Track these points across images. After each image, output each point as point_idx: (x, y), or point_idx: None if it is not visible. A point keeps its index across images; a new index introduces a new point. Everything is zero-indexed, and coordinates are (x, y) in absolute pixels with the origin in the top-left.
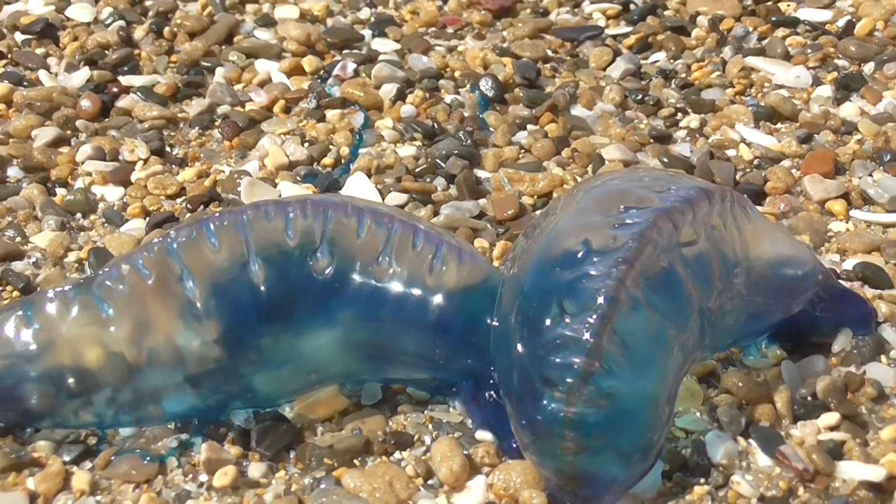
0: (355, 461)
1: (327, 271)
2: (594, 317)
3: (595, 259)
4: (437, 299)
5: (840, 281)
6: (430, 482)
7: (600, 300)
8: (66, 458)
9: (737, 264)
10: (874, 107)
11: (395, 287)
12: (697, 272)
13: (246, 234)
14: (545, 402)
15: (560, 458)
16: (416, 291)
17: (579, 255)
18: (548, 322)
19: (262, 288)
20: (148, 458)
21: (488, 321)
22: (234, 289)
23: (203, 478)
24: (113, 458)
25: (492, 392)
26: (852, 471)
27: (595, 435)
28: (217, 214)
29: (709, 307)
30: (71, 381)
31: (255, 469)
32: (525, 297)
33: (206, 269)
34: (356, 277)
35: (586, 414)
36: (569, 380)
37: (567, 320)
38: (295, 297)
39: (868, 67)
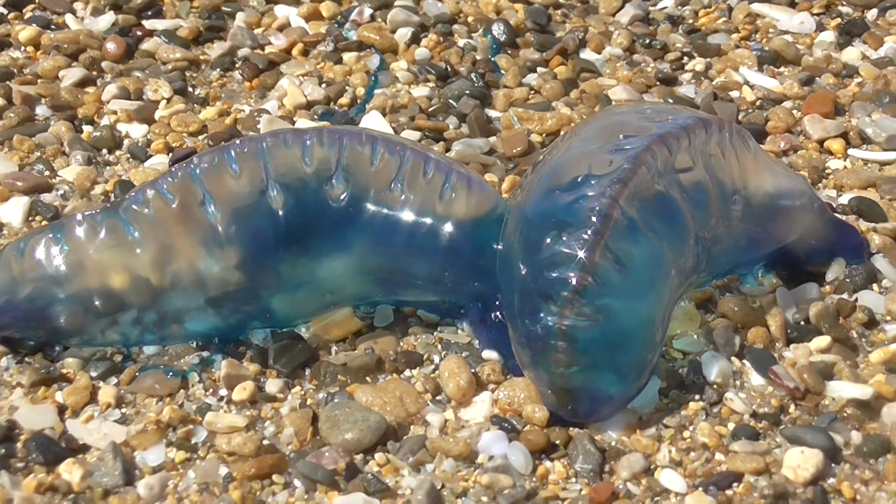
0: (368, 378)
1: (342, 198)
2: (588, 233)
3: (592, 182)
4: (448, 226)
5: (835, 214)
6: (438, 398)
7: (593, 217)
8: (94, 374)
9: (735, 192)
10: (875, 51)
11: (407, 214)
12: (695, 198)
13: (265, 160)
14: (542, 315)
15: (554, 372)
16: (427, 218)
17: (578, 180)
18: (547, 241)
19: (280, 213)
20: (171, 374)
21: (495, 246)
22: (253, 214)
23: (223, 392)
24: (137, 373)
25: (497, 313)
26: (841, 389)
27: (588, 349)
28: (238, 141)
29: (706, 233)
30: (98, 302)
31: (273, 385)
32: (527, 221)
33: (227, 195)
34: (369, 205)
35: (579, 327)
36: (563, 293)
37: (564, 238)
38: (312, 222)
39: (871, 14)
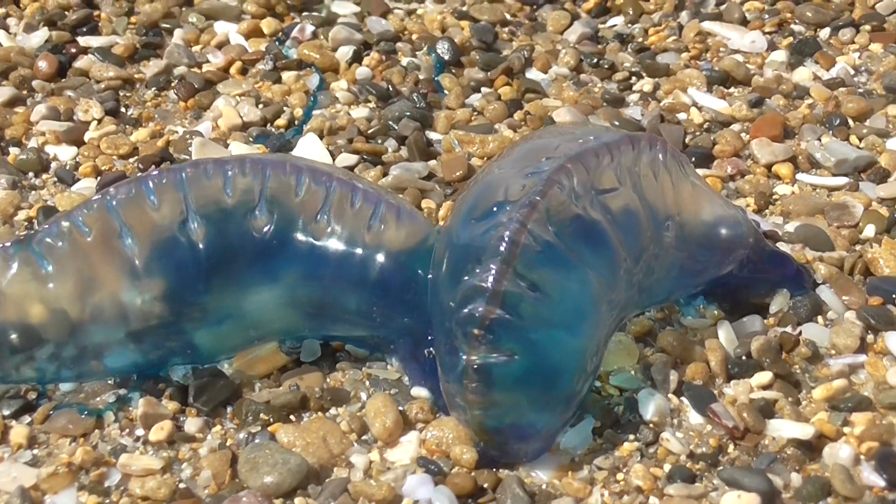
0: (291, 417)
1: (266, 229)
2: (495, 262)
3: (507, 208)
4: (377, 258)
5: (780, 243)
6: (364, 437)
7: (501, 246)
8: (6, 413)
9: (668, 218)
10: (827, 72)
11: (334, 245)
12: (622, 221)
13: (185, 191)
14: (459, 353)
15: (473, 413)
16: (355, 250)
17: (494, 209)
18: (465, 276)
19: (202, 245)
20: (86, 413)
21: (428, 276)
22: (174, 246)
23: (139, 432)
24: (51, 412)
25: (431, 349)
26: (782, 428)
27: (504, 387)
28: (156, 172)
29: (638, 258)
30: (14, 336)
31: (192, 424)
32: (451, 249)
33: (146, 227)
34: (296, 236)
35: (491, 363)
36: (472, 330)
37: (477, 270)
38: (235, 254)
39: (824, 33)
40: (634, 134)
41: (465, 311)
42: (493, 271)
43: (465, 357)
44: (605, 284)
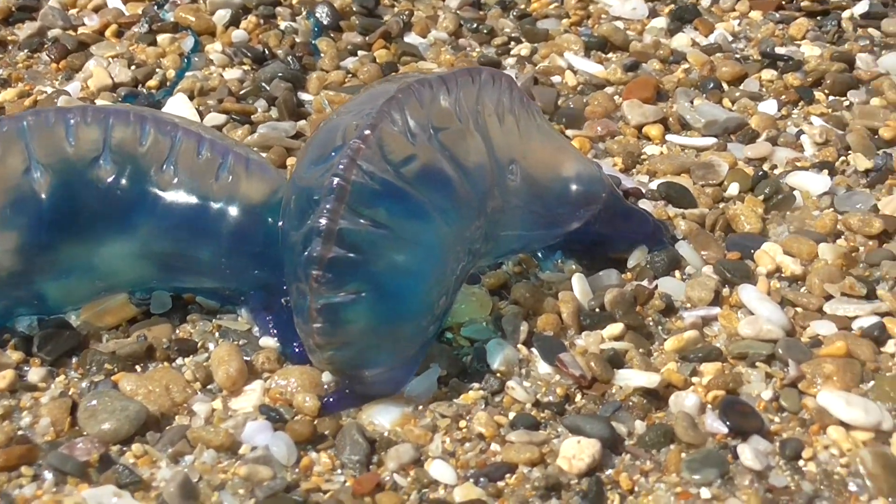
0: (136, 367)
1: (111, 180)
2: (329, 201)
3: (342, 149)
4: (227, 210)
5: (643, 200)
6: (209, 387)
7: (333, 185)
8: None
9: (512, 161)
10: (706, 38)
11: (182, 196)
12: (463, 160)
13: (26, 140)
14: (307, 296)
15: (321, 353)
16: (204, 201)
17: (333, 153)
18: (308, 221)
19: (44, 196)
20: None
21: (278, 224)
22: (18, 197)
23: None
24: None
25: (286, 298)
26: (630, 378)
27: (349, 324)
28: None
29: (483, 198)
30: None
31: (35, 374)
32: (295, 196)
33: None
34: (143, 186)
35: (335, 304)
36: (313, 271)
37: (314, 212)
38: (81, 205)
39: (705, 1)
40: (475, 67)
41: (306, 253)
42: (327, 210)
43: (309, 299)
44: (450, 222)
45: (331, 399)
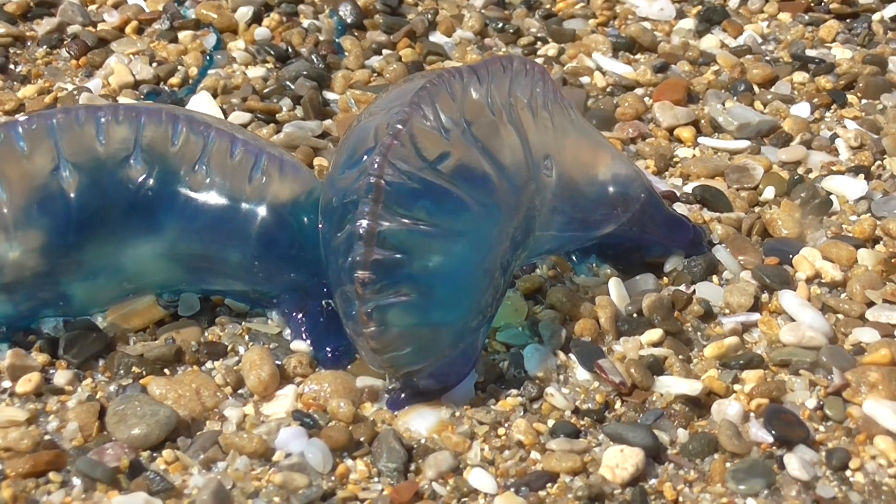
0: (165, 370)
1: (141, 180)
2: (366, 204)
3: (375, 149)
4: (259, 211)
5: (678, 203)
6: (239, 391)
7: (367, 185)
8: None
9: (547, 157)
10: (735, 40)
11: (214, 198)
12: (497, 152)
13: (56, 138)
14: (354, 302)
15: (377, 357)
16: (236, 203)
17: (365, 156)
18: (347, 225)
19: (74, 195)
20: None
21: (317, 227)
22: (46, 196)
23: (6, 384)
24: None
25: (329, 300)
26: (670, 385)
27: (400, 326)
28: (26, 118)
29: (519, 192)
30: None
31: (61, 376)
32: (331, 201)
33: (16, 175)
34: (174, 187)
35: (384, 306)
36: (357, 275)
37: (353, 216)
38: (110, 205)
39: (733, 2)
40: (506, 56)
41: (350, 258)
42: (365, 213)
43: (357, 304)
44: (492, 216)
45: (399, 396)
